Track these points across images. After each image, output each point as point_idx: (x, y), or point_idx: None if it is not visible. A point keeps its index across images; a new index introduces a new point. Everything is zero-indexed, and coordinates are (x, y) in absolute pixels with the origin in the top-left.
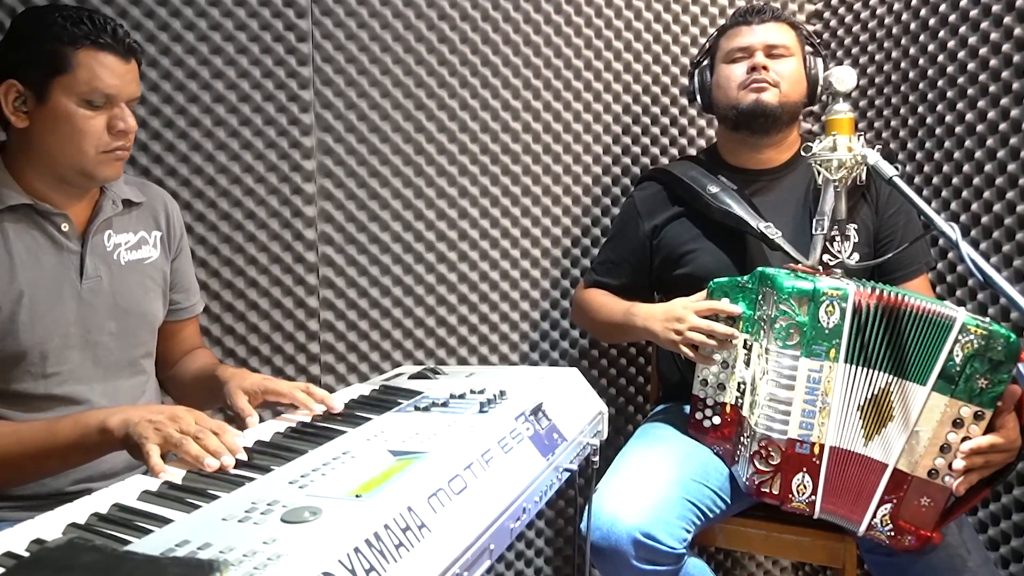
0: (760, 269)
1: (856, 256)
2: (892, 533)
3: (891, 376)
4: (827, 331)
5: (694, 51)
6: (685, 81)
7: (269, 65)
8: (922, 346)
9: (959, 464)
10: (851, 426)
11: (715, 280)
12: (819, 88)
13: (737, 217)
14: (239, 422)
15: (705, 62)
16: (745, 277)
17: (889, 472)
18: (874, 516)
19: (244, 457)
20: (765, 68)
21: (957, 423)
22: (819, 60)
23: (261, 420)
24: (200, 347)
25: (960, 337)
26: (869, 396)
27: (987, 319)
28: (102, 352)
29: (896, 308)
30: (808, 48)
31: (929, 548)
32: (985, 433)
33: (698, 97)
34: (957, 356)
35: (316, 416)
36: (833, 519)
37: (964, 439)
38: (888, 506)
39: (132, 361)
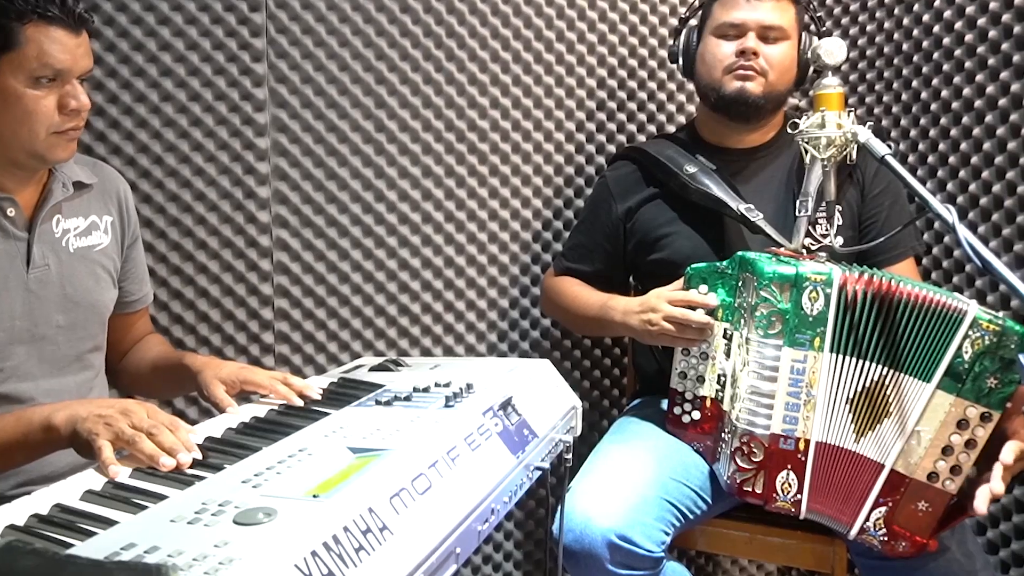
0: (740, 254)
1: (840, 239)
2: (885, 538)
3: (885, 368)
4: (811, 319)
5: (673, 21)
6: (663, 53)
7: (220, 36)
8: (925, 339)
9: (999, 487)
10: (840, 421)
11: (692, 266)
12: (808, 59)
13: (716, 198)
14: (216, 412)
15: (693, 21)
16: (724, 262)
17: (886, 473)
18: (867, 519)
19: (199, 455)
20: (755, 54)
21: (962, 424)
22: (816, 40)
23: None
24: (150, 332)
25: (971, 332)
26: (860, 389)
27: (1000, 313)
28: (49, 347)
29: (889, 295)
30: (807, 26)
31: (924, 556)
32: (991, 437)
33: (680, 59)
34: (966, 353)
35: (273, 408)
36: (821, 520)
37: (968, 441)
38: (882, 509)
39: (80, 356)
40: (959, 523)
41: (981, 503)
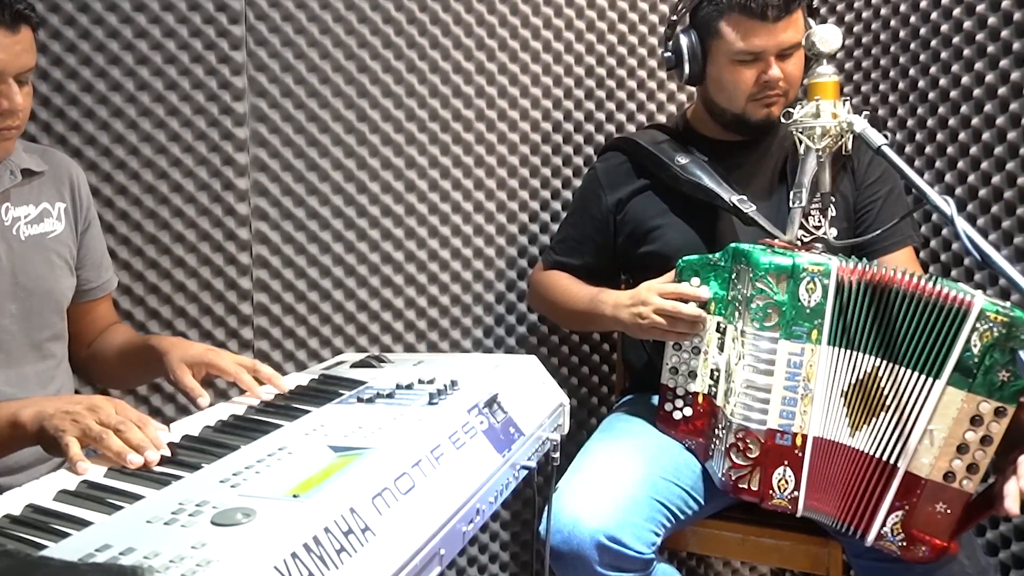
0: (733, 245)
1: (834, 231)
2: (904, 543)
3: (881, 360)
4: (808, 310)
5: (664, 8)
6: (653, 41)
7: (198, 24)
8: (929, 332)
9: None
10: (836, 415)
11: (684, 258)
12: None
13: (708, 190)
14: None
15: (687, 23)
16: (717, 254)
17: (900, 476)
18: (884, 524)
19: (168, 453)
20: (779, 80)
21: (976, 420)
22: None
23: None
24: (117, 322)
25: (978, 325)
26: (854, 382)
27: (1007, 303)
28: (4, 336)
29: (886, 285)
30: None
31: (945, 559)
32: (1007, 432)
33: (687, 71)
34: (975, 346)
35: (252, 406)
36: (818, 517)
37: (984, 438)
38: (899, 513)
39: (37, 345)
40: (979, 522)
41: (1012, 503)
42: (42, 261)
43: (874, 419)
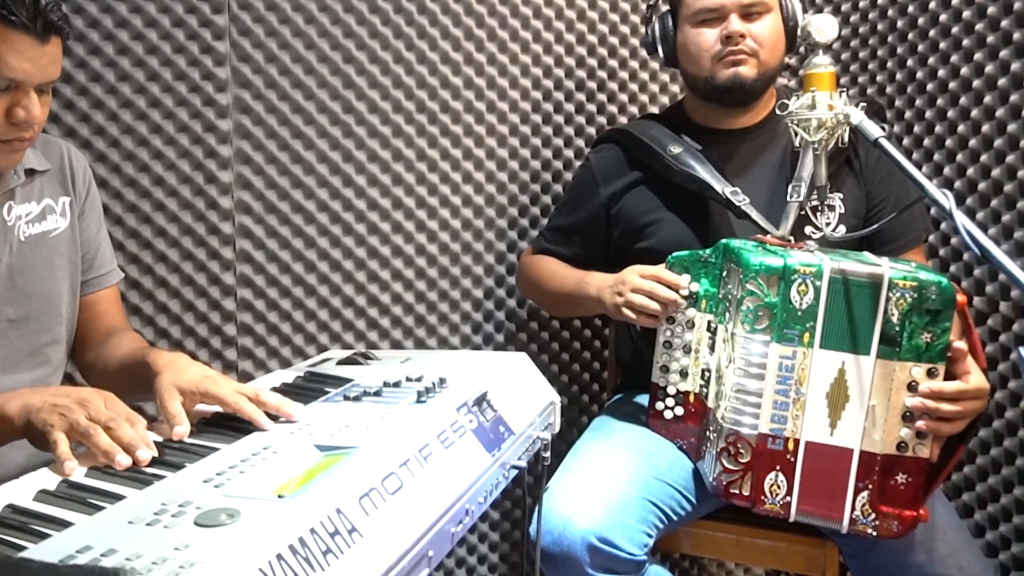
0: (724, 242)
1: (843, 228)
2: (877, 522)
3: (845, 354)
4: (800, 313)
5: None
6: (645, 31)
7: (180, 13)
8: (859, 313)
9: (922, 423)
10: (822, 416)
11: (674, 254)
12: (798, 35)
13: (700, 181)
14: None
15: (665, 8)
16: (707, 250)
17: (856, 456)
18: (854, 508)
19: (156, 452)
20: (742, 36)
21: (912, 387)
22: (796, 2)
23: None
24: (125, 329)
25: (891, 294)
26: (832, 380)
27: (912, 265)
28: (0, 341)
29: (852, 281)
30: None
31: (919, 530)
32: None
33: (660, 49)
34: (893, 315)
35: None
36: (812, 521)
37: None
38: (865, 494)
39: (35, 351)
40: (941, 482)
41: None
42: (42, 263)
43: (843, 412)
